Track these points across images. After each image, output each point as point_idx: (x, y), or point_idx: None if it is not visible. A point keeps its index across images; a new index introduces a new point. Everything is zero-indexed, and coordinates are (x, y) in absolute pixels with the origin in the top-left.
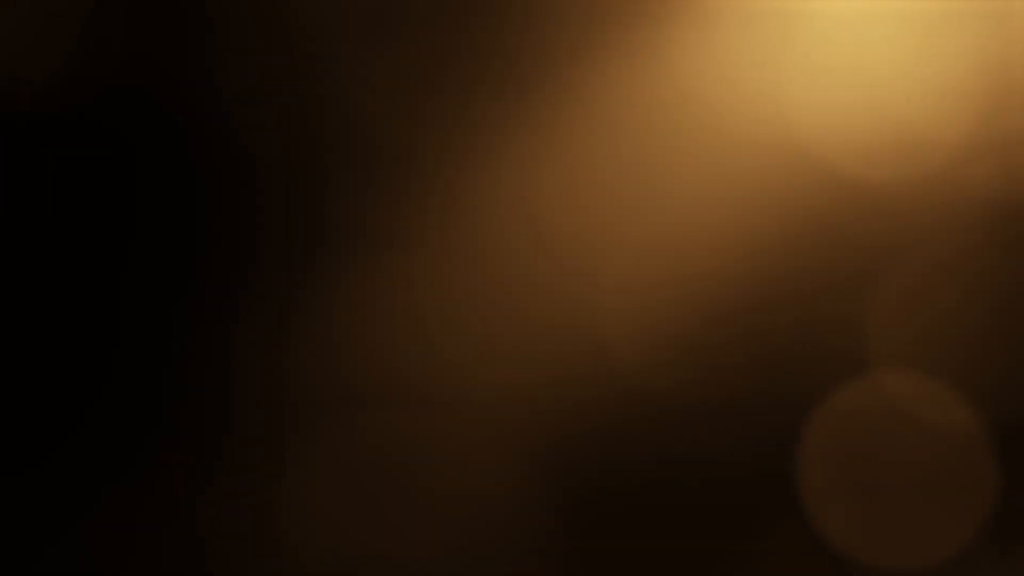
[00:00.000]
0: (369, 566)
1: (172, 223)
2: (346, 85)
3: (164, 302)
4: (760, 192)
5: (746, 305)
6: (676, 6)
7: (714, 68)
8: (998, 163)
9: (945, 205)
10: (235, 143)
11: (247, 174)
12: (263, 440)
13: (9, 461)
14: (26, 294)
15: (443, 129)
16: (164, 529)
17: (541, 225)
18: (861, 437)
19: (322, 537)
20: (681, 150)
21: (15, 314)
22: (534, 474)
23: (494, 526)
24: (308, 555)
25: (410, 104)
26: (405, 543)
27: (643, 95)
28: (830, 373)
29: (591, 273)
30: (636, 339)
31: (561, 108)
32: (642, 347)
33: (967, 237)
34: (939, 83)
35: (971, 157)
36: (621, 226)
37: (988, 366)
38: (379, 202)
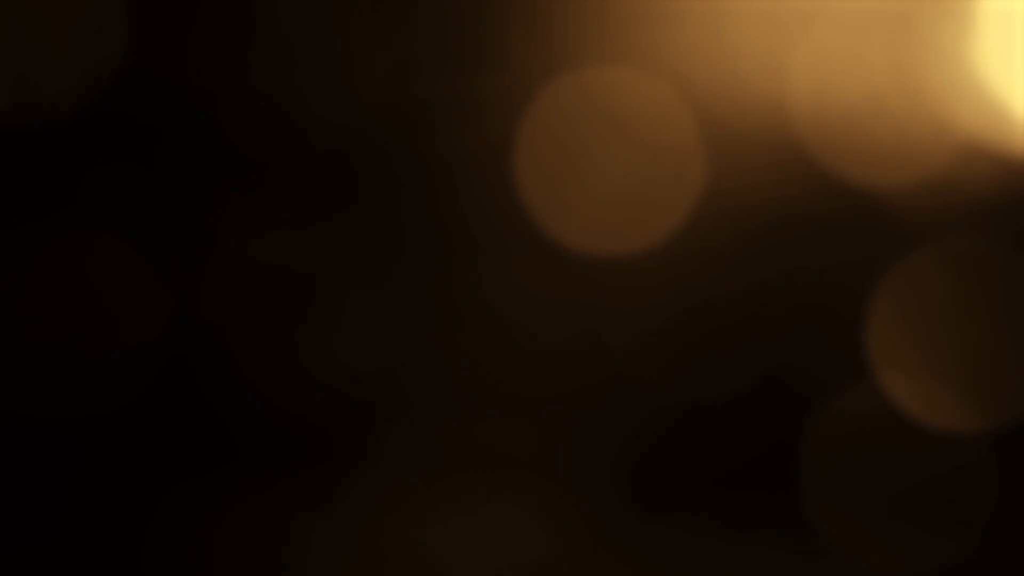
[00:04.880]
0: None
1: (192, 227)
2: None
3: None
4: (760, 193)
5: (746, 306)
6: (676, 6)
7: (714, 68)
8: (998, 164)
9: (945, 207)
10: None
11: (264, 176)
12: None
13: (11, 465)
14: (31, 295)
15: (452, 132)
16: (201, 535)
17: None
18: (861, 440)
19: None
20: (681, 151)
21: (23, 315)
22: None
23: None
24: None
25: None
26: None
27: (643, 95)
28: (830, 375)
29: (595, 275)
30: (638, 342)
31: (564, 108)
32: (645, 350)
33: (967, 239)
34: (939, 85)
35: (971, 158)
36: (624, 229)
37: (989, 368)
38: (413, 207)
